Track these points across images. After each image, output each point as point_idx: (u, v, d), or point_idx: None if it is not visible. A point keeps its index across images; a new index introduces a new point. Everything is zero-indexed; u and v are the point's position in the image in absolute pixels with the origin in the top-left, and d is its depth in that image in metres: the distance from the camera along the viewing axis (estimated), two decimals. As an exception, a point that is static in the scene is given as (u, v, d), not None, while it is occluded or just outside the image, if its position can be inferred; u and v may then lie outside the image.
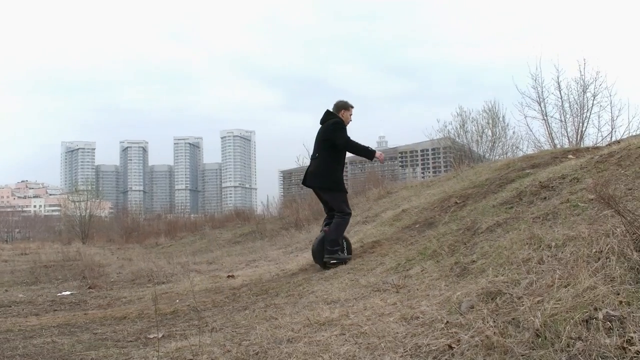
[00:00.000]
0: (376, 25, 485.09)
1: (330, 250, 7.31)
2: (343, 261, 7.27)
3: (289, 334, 4.13)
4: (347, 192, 7.82)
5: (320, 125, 7.84)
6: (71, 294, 8.75)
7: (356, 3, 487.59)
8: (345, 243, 7.57)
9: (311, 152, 8.09)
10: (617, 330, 2.77)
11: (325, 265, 7.35)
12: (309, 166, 7.89)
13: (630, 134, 13.98)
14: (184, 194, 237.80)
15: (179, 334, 4.95)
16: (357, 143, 7.64)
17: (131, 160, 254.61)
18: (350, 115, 7.90)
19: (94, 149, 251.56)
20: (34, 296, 8.62)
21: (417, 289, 4.88)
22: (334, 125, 7.62)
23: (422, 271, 5.50)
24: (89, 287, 9.28)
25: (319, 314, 4.58)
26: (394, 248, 7.28)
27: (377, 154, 7.70)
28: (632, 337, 2.66)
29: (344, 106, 7.84)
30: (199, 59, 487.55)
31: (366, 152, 7.69)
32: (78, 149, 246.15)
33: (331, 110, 7.85)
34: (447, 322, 3.61)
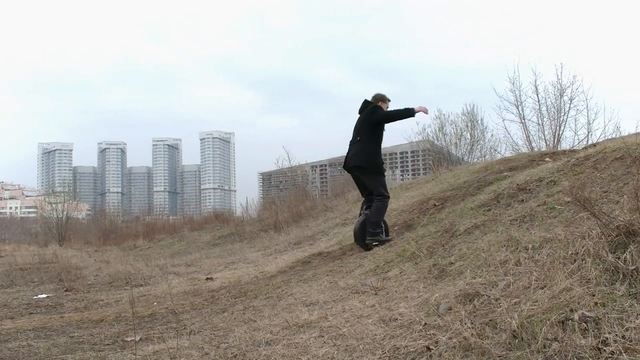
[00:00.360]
0: (360, 28, 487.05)
1: (372, 233, 7.56)
2: (383, 242, 7.46)
3: (267, 337, 4.13)
4: (385, 176, 8.09)
5: (359, 115, 8.11)
6: (47, 297, 8.66)
7: (340, 5, 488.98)
8: (384, 226, 7.82)
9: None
10: (593, 331, 2.80)
11: (367, 247, 7.56)
12: (349, 151, 8.07)
13: (606, 138, 14.16)
14: (162, 196, 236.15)
15: (157, 336, 4.92)
16: (394, 110, 7.96)
17: (109, 161, 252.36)
18: (387, 108, 8.16)
19: (71, 150, 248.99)
20: (9, 299, 8.51)
21: (396, 291, 4.89)
22: (373, 109, 7.92)
23: (400, 273, 5.51)
24: (66, 290, 9.19)
25: (298, 316, 4.58)
26: (373, 250, 7.29)
27: (417, 108, 7.77)
28: (607, 338, 2.69)
29: (381, 98, 8.15)
30: (181, 61, 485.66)
31: (407, 113, 7.81)
32: (55, 150, 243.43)
33: (369, 100, 8.18)
34: (425, 323, 3.63)
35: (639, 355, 2.51)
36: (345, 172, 8.61)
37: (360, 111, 8.10)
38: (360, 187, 8.30)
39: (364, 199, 8.17)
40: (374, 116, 7.84)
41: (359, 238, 7.83)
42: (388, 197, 7.91)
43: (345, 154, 8.14)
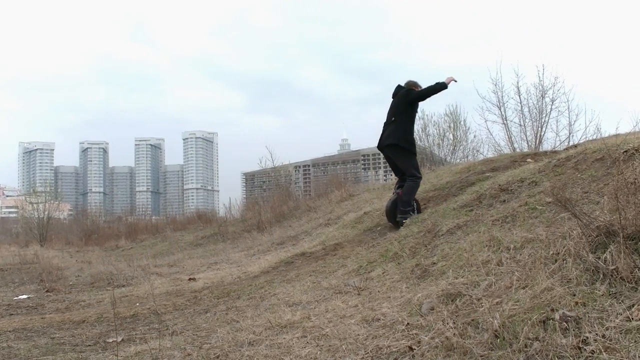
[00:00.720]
0: (343, 29, 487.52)
1: (403, 211, 7.97)
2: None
3: (250, 337, 4.12)
4: (416, 155, 8.49)
5: (392, 99, 8.58)
6: (28, 297, 8.57)
7: (323, 7, 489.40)
8: (415, 204, 8.22)
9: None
10: (573, 330, 2.82)
11: (398, 224, 7.94)
12: (383, 132, 8.45)
13: (587, 139, 14.25)
14: (145, 196, 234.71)
15: (139, 337, 4.90)
16: (426, 88, 8.28)
17: (91, 161, 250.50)
18: None
19: (53, 149, 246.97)
20: (-11, 300, 8.42)
21: (379, 291, 4.91)
22: (408, 91, 8.38)
23: (383, 273, 5.53)
24: (47, 291, 9.11)
25: (281, 317, 4.58)
26: (356, 250, 7.30)
27: (446, 80, 8.20)
28: (587, 337, 2.71)
29: (414, 85, 8.55)
30: (163, 60, 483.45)
31: (439, 87, 8.16)
32: (36, 149, 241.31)
33: (402, 85, 8.62)
34: (408, 323, 3.64)
35: (619, 354, 2.54)
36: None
37: (394, 95, 8.56)
38: (393, 167, 8.71)
39: (397, 178, 8.63)
40: (410, 96, 8.28)
41: (390, 215, 8.26)
42: (420, 178, 8.34)
43: (380, 135, 8.53)
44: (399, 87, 8.56)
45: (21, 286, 10.25)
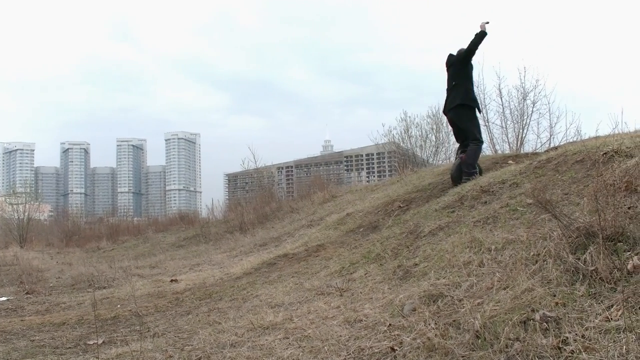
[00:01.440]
0: (328, 30, 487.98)
1: (468, 173, 8.47)
2: None
3: (232, 339, 4.11)
4: (480, 112, 9.15)
5: (447, 68, 9.16)
6: (7, 299, 8.48)
7: (308, 8, 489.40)
8: (478, 168, 8.72)
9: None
10: (553, 330, 2.84)
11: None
12: (447, 97, 9.07)
13: (568, 141, 14.38)
14: (126, 197, 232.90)
15: (120, 339, 4.87)
16: (469, 43, 8.77)
17: (72, 162, 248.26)
18: None
19: (33, 150, 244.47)
20: (-33, 302, 8.32)
21: (361, 292, 4.91)
22: (458, 54, 8.99)
23: (365, 274, 5.54)
24: (27, 293, 9.02)
25: (263, 318, 4.57)
26: (338, 252, 7.31)
27: (481, 27, 8.69)
28: (567, 337, 2.73)
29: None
30: (147, 61, 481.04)
31: (480, 36, 8.66)
32: (16, 149, 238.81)
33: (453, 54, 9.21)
34: (390, 324, 3.65)
35: (598, 354, 2.56)
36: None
37: (448, 63, 9.14)
38: (455, 133, 9.31)
39: (459, 145, 9.23)
40: (461, 54, 8.88)
41: (455, 180, 8.70)
42: (482, 142, 9.05)
43: (444, 102, 9.16)
44: (450, 55, 9.13)
45: (0, 288, 10.14)
